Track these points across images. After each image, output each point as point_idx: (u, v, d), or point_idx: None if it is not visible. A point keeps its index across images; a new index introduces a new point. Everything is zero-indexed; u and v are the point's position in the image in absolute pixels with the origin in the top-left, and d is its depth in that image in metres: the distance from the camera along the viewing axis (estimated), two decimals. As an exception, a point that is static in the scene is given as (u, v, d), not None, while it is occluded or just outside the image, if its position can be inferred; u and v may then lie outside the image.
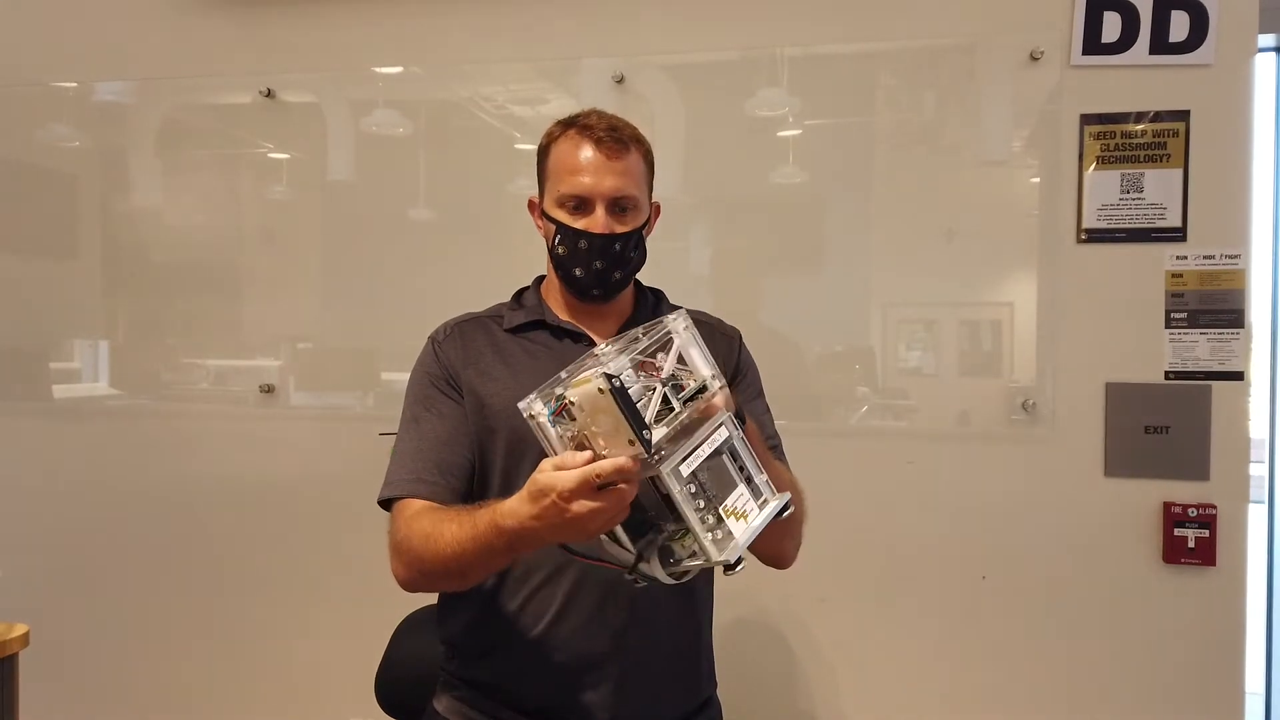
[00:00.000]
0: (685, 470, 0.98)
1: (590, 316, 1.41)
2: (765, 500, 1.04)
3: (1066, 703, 2.04)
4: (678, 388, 1.02)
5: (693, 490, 0.99)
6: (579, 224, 1.33)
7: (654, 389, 0.99)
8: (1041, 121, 2.07)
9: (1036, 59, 2.04)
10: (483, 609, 1.35)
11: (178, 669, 2.45)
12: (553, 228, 1.36)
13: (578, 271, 1.35)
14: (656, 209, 1.44)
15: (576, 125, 1.35)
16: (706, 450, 1.00)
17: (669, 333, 1.04)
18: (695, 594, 1.37)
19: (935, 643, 2.10)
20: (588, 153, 1.32)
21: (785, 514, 1.04)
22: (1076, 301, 2.03)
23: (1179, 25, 1.98)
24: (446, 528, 1.18)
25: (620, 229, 1.33)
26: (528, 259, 2.34)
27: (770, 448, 1.36)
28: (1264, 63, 2.26)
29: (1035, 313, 2.06)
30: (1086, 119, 2.03)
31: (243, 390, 2.44)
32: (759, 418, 1.41)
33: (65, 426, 2.53)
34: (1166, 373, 1.99)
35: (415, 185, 2.38)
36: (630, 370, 0.99)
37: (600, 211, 1.32)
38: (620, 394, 0.94)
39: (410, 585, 1.28)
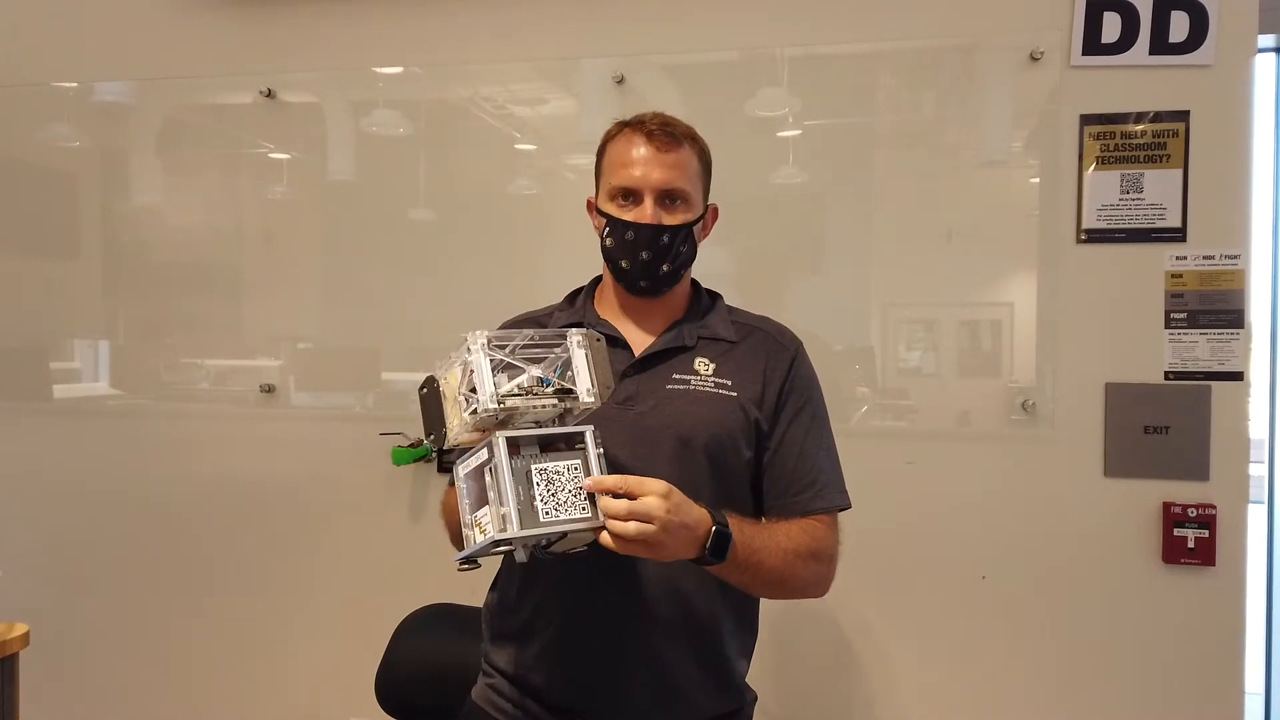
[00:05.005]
0: (460, 471, 1.13)
1: (639, 314, 1.41)
2: (501, 528, 1.06)
3: (1066, 703, 2.04)
4: (565, 392, 1.14)
5: (465, 488, 1.12)
6: (628, 215, 1.34)
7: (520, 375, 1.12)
8: (1041, 122, 2.07)
9: (1036, 59, 2.04)
10: (508, 601, 1.37)
11: (177, 669, 2.45)
12: (603, 221, 1.37)
13: (624, 263, 1.35)
14: (714, 211, 1.44)
15: (632, 123, 1.37)
16: (473, 462, 1.11)
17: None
18: (724, 601, 1.34)
19: (935, 643, 2.10)
20: (640, 147, 1.34)
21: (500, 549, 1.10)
22: (1076, 302, 2.03)
23: (1179, 26, 1.98)
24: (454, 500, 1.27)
25: (669, 221, 1.34)
26: (528, 259, 2.34)
27: (807, 484, 1.33)
28: (1264, 63, 2.26)
29: (1035, 313, 2.06)
30: (1086, 119, 2.03)
31: (243, 390, 2.44)
32: (795, 438, 1.36)
33: (65, 426, 2.53)
34: (1166, 373, 1.99)
35: (415, 185, 2.37)
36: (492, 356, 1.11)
37: (649, 203, 1.33)
38: (422, 399, 1.16)
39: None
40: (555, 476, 1.09)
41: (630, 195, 1.35)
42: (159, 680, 2.46)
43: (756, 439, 1.35)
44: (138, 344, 2.54)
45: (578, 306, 1.45)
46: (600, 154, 1.42)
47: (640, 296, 1.39)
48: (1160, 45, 1.99)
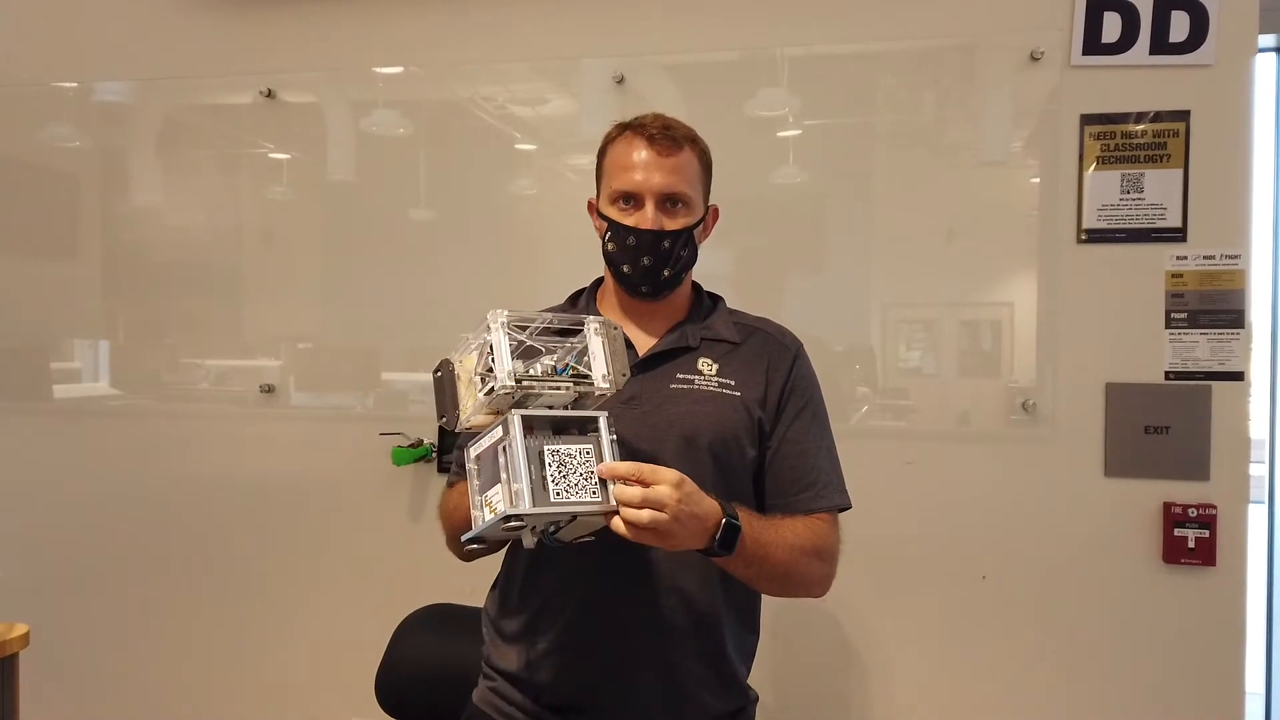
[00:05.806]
0: (471, 453, 1.13)
1: (641, 316, 1.41)
2: (512, 504, 1.06)
3: (1066, 703, 2.04)
4: (580, 378, 1.13)
5: (476, 469, 1.12)
6: (629, 220, 1.34)
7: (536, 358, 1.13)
8: (1042, 122, 2.07)
9: (1037, 59, 2.04)
10: (510, 603, 1.37)
11: (177, 669, 2.45)
12: (605, 225, 1.38)
13: (626, 268, 1.36)
14: (714, 212, 1.44)
15: (632, 126, 1.37)
16: (486, 442, 1.11)
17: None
18: (726, 600, 1.34)
19: (935, 643, 2.10)
20: (641, 151, 1.34)
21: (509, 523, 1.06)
22: (1076, 302, 2.03)
23: (1179, 25, 1.98)
24: (456, 499, 1.29)
25: (670, 225, 1.34)
26: (528, 259, 2.34)
27: (808, 484, 1.34)
28: (1264, 63, 2.25)
29: (1035, 313, 2.06)
30: (1087, 119, 2.03)
31: (243, 390, 2.44)
32: (796, 438, 1.37)
33: (65, 426, 2.53)
34: (1166, 373, 1.99)
35: (415, 185, 2.38)
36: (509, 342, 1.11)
37: (650, 207, 1.33)
38: (436, 382, 1.17)
39: (453, 551, 1.35)
40: (567, 459, 1.08)
41: (631, 199, 1.35)
42: (159, 680, 2.46)
43: (760, 439, 1.36)
44: (138, 344, 2.54)
45: (580, 307, 1.45)
46: (601, 156, 1.42)
47: (642, 300, 1.39)
48: (1160, 45, 1.99)
